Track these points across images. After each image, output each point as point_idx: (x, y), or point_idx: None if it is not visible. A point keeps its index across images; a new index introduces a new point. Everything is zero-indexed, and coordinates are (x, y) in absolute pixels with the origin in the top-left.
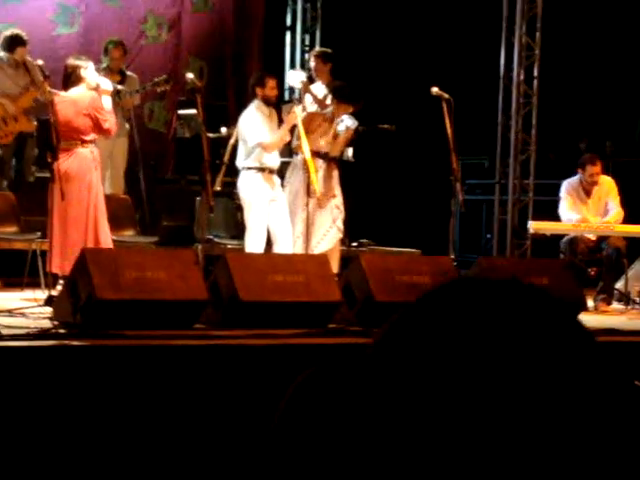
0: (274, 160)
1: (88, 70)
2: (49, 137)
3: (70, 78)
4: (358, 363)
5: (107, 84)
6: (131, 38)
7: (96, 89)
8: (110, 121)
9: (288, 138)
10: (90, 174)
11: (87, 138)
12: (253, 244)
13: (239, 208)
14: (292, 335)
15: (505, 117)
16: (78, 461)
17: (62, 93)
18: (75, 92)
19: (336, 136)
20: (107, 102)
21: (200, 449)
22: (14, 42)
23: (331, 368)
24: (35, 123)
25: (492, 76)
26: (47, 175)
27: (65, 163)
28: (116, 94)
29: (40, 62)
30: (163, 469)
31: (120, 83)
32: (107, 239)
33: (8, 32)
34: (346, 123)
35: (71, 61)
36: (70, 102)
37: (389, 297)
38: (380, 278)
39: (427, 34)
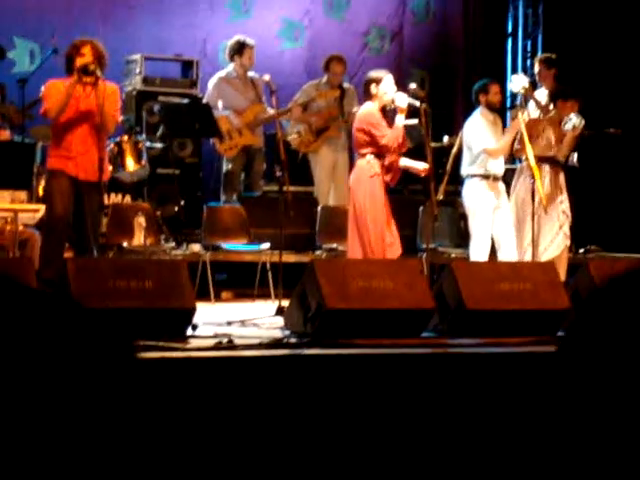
0: (499, 167)
1: (382, 85)
2: (277, 151)
3: (364, 93)
4: None
5: (402, 100)
6: (354, 50)
7: (391, 104)
8: (388, 137)
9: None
10: (365, 184)
11: (364, 151)
12: (478, 252)
13: (463, 217)
14: (521, 344)
15: None
16: (320, 468)
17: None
18: (363, 107)
19: (562, 139)
20: (399, 119)
21: (432, 455)
22: (241, 46)
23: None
24: (261, 138)
25: None
26: (275, 188)
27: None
28: (340, 109)
29: (267, 77)
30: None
31: (341, 97)
32: (391, 246)
33: (232, 40)
34: (573, 122)
35: (367, 75)
36: (356, 117)
37: None
38: None
39: None
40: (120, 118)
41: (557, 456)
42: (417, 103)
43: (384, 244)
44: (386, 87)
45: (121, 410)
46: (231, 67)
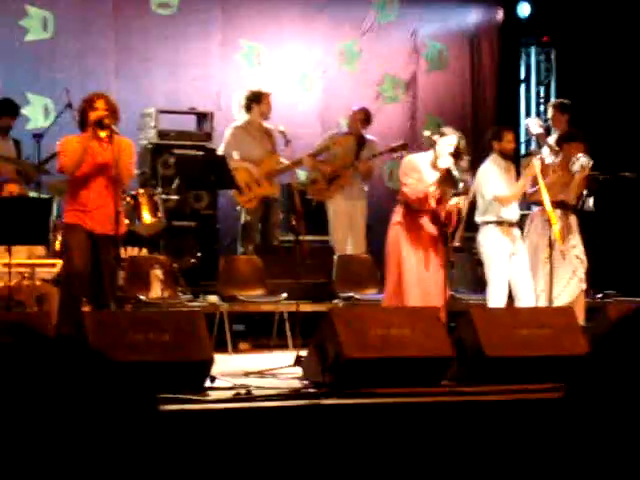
0: (514, 213)
1: (442, 140)
2: (293, 201)
3: None
4: None
5: (444, 162)
6: (368, 100)
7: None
8: (411, 188)
9: (528, 190)
10: (390, 231)
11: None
12: (495, 299)
13: (480, 263)
14: (540, 390)
15: None
16: None
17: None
18: (414, 154)
19: (570, 182)
20: (432, 176)
21: None
22: (259, 94)
23: None
24: (278, 188)
25: None
26: (291, 238)
27: None
28: (355, 158)
29: (282, 127)
30: None
31: (360, 147)
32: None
33: (247, 91)
34: (581, 162)
35: (442, 127)
36: None
37: None
38: None
39: None
40: (135, 172)
41: None
42: (456, 174)
43: (401, 293)
44: (443, 145)
45: (143, 462)
46: (247, 117)
